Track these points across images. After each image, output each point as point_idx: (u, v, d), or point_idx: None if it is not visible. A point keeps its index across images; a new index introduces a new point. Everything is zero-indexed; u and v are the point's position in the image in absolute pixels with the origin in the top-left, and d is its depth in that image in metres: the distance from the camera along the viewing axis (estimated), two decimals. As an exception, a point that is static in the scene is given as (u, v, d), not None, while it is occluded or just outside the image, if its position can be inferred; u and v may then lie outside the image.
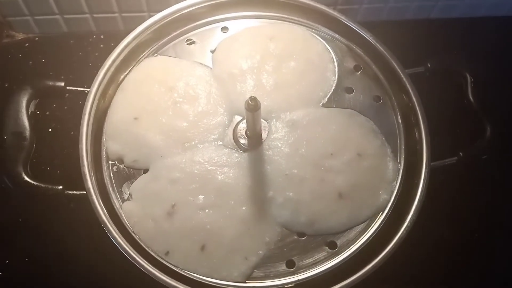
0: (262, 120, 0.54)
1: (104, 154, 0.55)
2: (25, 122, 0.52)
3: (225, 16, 0.63)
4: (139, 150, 0.54)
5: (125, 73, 0.60)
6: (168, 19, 0.61)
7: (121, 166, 0.55)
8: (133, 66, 0.60)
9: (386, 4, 0.81)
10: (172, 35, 0.62)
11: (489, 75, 0.58)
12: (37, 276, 0.62)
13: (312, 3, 0.61)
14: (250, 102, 0.47)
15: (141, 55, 0.61)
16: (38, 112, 0.70)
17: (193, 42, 0.62)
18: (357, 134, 0.55)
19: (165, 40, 0.62)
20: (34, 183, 0.50)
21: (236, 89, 0.57)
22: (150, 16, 0.61)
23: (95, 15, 0.77)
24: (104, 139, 0.56)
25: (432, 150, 0.54)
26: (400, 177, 0.54)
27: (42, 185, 0.50)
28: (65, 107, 0.72)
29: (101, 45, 0.78)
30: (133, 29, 0.59)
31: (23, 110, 0.52)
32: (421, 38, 0.80)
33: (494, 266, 0.63)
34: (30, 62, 0.76)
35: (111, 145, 0.55)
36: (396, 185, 0.54)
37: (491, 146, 0.54)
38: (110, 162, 0.55)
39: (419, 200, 0.52)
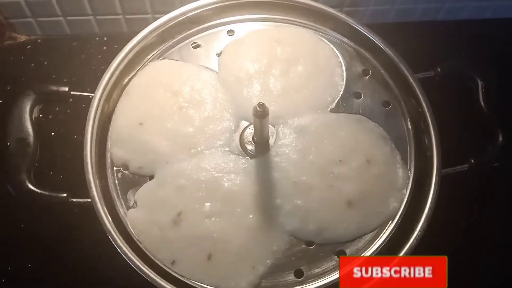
0: (269, 125, 0.53)
1: (109, 160, 0.54)
2: (29, 128, 0.51)
3: (231, 19, 0.62)
4: (144, 156, 0.53)
5: (130, 77, 0.59)
6: (173, 22, 0.60)
7: (126, 172, 0.54)
8: (138, 70, 0.59)
9: (393, 6, 0.80)
10: (177, 38, 0.61)
11: (501, 80, 0.57)
12: (39, 283, 0.61)
13: (319, 5, 0.60)
14: (258, 109, 0.46)
15: (146, 59, 0.60)
16: (40, 116, 0.69)
17: (199, 46, 0.61)
18: (366, 140, 0.54)
19: (170, 43, 0.61)
20: (38, 191, 0.49)
21: (243, 93, 0.56)
22: (154, 18, 0.60)
23: (98, 17, 0.76)
24: (108, 145, 0.55)
25: (442, 157, 0.53)
26: (410, 184, 0.53)
27: (46, 193, 0.49)
28: (68, 111, 0.71)
29: (105, 47, 0.77)
30: (137, 31, 0.58)
31: (27, 116, 0.51)
32: (429, 40, 0.79)
33: (507, 276, 0.62)
34: (32, 64, 0.75)
35: (116, 151, 0.54)
36: (406, 192, 0.53)
37: (503, 153, 0.53)
38: (114, 168, 0.54)
39: (429, 208, 0.51)
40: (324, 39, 0.61)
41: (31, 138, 0.51)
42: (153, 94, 0.56)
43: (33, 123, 0.52)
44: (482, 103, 0.56)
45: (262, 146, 0.54)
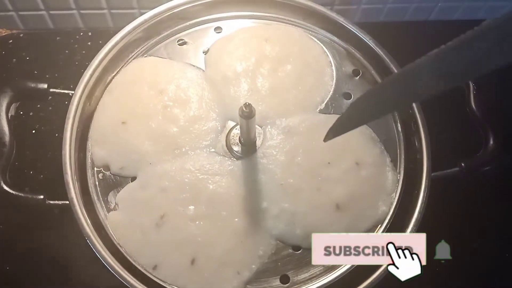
0: (256, 126, 0.51)
1: (89, 161, 0.52)
2: (5, 127, 0.49)
3: (218, 16, 0.61)
4: (127, 156, 0.52)
5: (113, 74, 0.57)
6: (159, 18, 0.58)
7: (107, 173, 0.52)
8: (122, 67, 0.57)
9: (385, 5, 0.79)
10: (163, 35, 0.59)
11: (492, 82, 0.56)
12: (17, 286, 0.59)
13: (309, 3, 0.59)
14: (244, 109, 0.44)
15: (130, 55, 0.58)
16: (21, 113, 0.67)
17: (185, 43, 0.59)
18: (355, 142, 0.53)
19: (155, 39, 0.59)
20: (14, 193, 0.47)
21: (230, 93, 0.55)
22: (141, 13, 0.58)
23: (82, 11, 0.73)
24: (89, 145, 0.53)
25: (432, 160, 0.52)
26: (399, 187, 0.52)
27: (22, 195, 0.47)
28: (50, 108, 0.69)
29: (89, 43, 0.74)
30: (123, 27, 0.56)
31: (3, 114, 0.49)
32: (420, 41, 0.77)
33: (495, 282, 0.61)
34: (14, 59, 0.72)
35: (97, 151, 0.52)
36: (395, 196, 0.52)
37: (494, 157, 0.52)
38: (95, 169, 0.52)
39: (419, 212, 0.50)
40: (314, 38, 0.60)
41: (7, 137, 0.49)
42: (137, 92, 0.55)
43: (9, 122, 0.50)
44: (474, 106, 0.54)
45: (248, 147, 0.52)
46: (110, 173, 0.52)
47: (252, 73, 0.56)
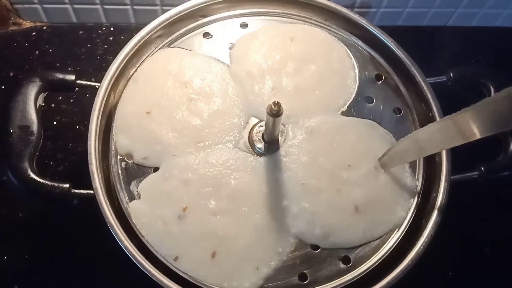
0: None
1: (113, 148, 0.52)
2: (33, 116, 0.49)
3: (244, 11, 0.61)
4: (150, 146, 0.52)
5: (136, 67, 0.56)
6: (183, 13, 0.58)
7: (130, 162, 0.52)
8: (146, 57, 0.57)
9: (404, 9, 0.79)
10: (188, 27, 0.59)
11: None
12: (35, 274, 0.59)
13: (336, 6, 0.59)
14: (273, 107, 0.45)
15: (154, 48, 0.58)
16: (43, 104, 0.68)
17: (210, 36, 0.59)
18: (376, 146, 0.53)
19: (181, 31, 0.59)
20: (40, 180, 0.47)
21: (254, 89, 0.55)
22: (163, 10, 0.59)
23: (106, 7, 0.74)
24: (113, 133, 0.52)
25: (452, 164, 0.52)
26: (418, 193, 0.53)
27: (48, 182, 0.47)
28: (71, 100, 0.70)
29: (111, 38, 0.75)
30: (144, 23, 0.57)
31: (31, 103, 0.49)
32: (439, 46, 0.78)
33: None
34: (37, 51, 0.73)
35: (121, 139, 0.52)
36: (413, 201, 0.52)
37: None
38: (118, 157, 0.52)
39: (437, 215, 0.50)
40: (338, 40, 0.60)
41: (35, 126, 0.49)
42: (162, 83, 0.54)
43: (37, 111, 0.50)
44: (494, 111, 0.55)
45: (271, 145, 0.52)
46: (133, 162, 0.52)
47: (277, 71, 0.56)
